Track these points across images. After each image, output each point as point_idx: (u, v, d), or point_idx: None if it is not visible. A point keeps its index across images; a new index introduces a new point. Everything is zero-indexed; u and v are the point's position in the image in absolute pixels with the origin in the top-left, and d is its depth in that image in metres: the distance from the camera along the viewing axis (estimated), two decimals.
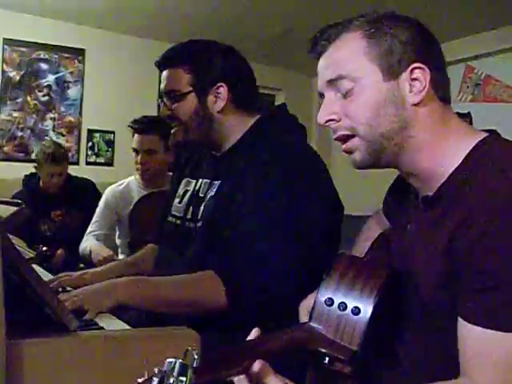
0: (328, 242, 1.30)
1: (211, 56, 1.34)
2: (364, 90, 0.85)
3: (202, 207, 1.35)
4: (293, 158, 1.27)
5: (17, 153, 4.33)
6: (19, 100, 4.33)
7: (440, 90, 0.87)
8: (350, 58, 0.86)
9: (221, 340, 1.04)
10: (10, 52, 4.28)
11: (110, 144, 4.70)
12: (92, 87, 4.60)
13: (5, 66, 4.27)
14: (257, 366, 0.70)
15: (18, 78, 4.32)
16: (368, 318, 0.76)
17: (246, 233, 1.21)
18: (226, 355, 0.71)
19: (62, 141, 4.28)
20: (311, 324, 0.79)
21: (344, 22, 0.89)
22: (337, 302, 0.79)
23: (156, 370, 0.60)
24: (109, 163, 4.71)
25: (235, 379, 0.73)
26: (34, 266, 1.56)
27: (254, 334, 0.77)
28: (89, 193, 3.10)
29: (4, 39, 4.25)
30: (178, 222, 1.43)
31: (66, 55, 4.50)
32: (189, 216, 1.39)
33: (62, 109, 4.51)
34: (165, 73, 1.37)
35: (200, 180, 1.43)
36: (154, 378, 0.59)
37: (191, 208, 1.40)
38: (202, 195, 1.38)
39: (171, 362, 0.60)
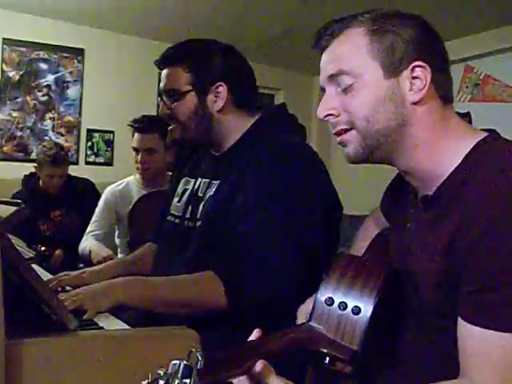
0: (327, 242, 1.30)
1: (211, 55, 1.34)
2: (364, 86, 0.85)
3: (201, 206, 1.35)
4: (292, 158, 1.27)
5: (16, 152, 4.32)
6: (19, 100, 4.32)
7: (441, 89, 0.87)
8: (352, 53, 0.86)
9: (221, 340, 1.03)
10: (10, 52, 4.28)
11: (110, 144, 4.70)
12: (91, 87, 4.59)
13: (4, 65, 4.26)
14: (259, 366, 0.70)
15: (17, 77, 4.31)
16: (368, 318, 0.76)
17: (245, 233, 1.21)
18: (226, 356, 0.71)
19: (61, 140, 4.27)
20: (311, 324, 0.79)
21: (349, 17, 0.89)
22: (337, 301, 0.79)
23: (160, 371, 0.59)
24: (108, 163, 4.71)
25: (235, 381, 0.73)
26: (34, 265, 1.55)
27: (255, 334, 0.77)
28: (88, 193, 3.10)
29: (3, 39, 4.24)
30: (177, 221, 1.43)
31: (66, 55, 4.50)
32: (188, 215, 1.39)
33: (62, 109, 4.51)
34: (164, 72, 1.36)
35: (199, 179, 1.43)
36: (160, 381, 0.59)
37: (190, 207, 1.39)
38: (200, 195, 1.38)
39: (175, 364, 0.60)
